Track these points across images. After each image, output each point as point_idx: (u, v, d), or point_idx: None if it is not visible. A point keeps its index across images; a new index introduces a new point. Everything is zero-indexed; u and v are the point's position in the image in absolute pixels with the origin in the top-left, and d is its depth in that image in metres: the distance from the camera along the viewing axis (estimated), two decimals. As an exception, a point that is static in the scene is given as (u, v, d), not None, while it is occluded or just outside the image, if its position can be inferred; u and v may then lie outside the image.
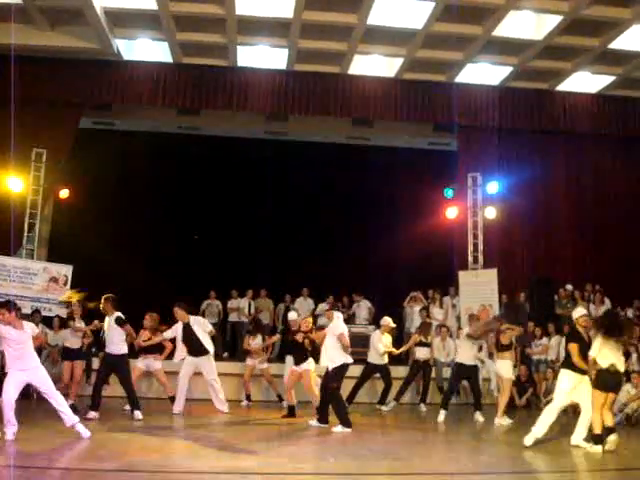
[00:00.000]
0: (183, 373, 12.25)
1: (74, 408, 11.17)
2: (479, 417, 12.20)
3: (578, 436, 9.52)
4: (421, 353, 14.04)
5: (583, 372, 9.45)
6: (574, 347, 9.53)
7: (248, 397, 13.86)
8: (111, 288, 11.46)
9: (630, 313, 16.45)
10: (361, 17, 15.29)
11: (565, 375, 9.66)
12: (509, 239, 18.26)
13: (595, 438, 9.18)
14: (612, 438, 9.09)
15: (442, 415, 12.14)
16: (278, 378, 13.66)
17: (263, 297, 17.78)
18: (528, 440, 9.40)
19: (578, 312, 10.03)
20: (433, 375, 14.55)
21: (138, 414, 11.20)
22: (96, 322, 12.32)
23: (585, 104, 18.86)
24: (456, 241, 18.21)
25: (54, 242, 18.04)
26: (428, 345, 14.10)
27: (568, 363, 9.65)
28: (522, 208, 18.34)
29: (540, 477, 8.11)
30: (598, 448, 9.06)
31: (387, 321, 13.67)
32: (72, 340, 12.45)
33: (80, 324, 12.37)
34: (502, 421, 11.89)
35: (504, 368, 12.02)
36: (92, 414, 10.88)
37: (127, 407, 12.18)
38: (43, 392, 9.00)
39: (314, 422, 10.87)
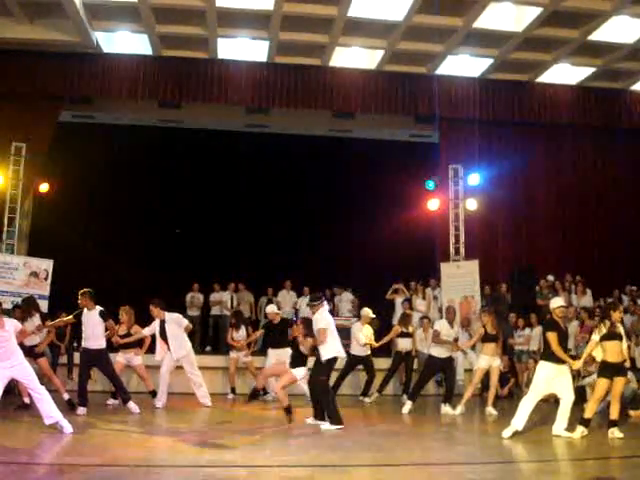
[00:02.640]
0: (164, 368, 12.20)
1: (70, 403, 11.12)
2: (447, 409, 12.11)
3: (559, 426, 9.60)
4: (403, 344, 14.08)
5: (562, 362, 9.54)
6: (553, 336, 9.60)
7: (233, 390, 13.86)
8: (92, 282, 11.38)
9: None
10: (342, 9, 15.27)
11: (543, 366, 9.73)
12: (490, 230, 18.34)
13: (583, 421, 9.48)
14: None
15: (407, 406, 12.19)
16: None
17: (242, 290, 17.76)
18: (507, 432, 9.45)
19: (555, 302, 10.08)
20: (415, 366, 14.60)
21: (133, 407, 11.18)
22: (63, 316, 12.10)
23: (565, 96, 18.97)
24: (438, 233, 18.26)
25: (34, 236, 17.90)
26: (410, 336, 14.13)
27: (547, 354, 9.73)
28: (503, 199, 18.43)
29: (522, 467, 8.16)
30: (582, 430, 9.42)
31: (366, 312, 13.74)
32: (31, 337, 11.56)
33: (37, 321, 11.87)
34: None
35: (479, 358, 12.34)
36: (81, 410, 10.83)
37: (110, 402, 12.14)
38: (28, 388, 8.93)
39: (311, 420, 10.44)
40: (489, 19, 15.81)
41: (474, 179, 17.73)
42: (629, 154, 19.29)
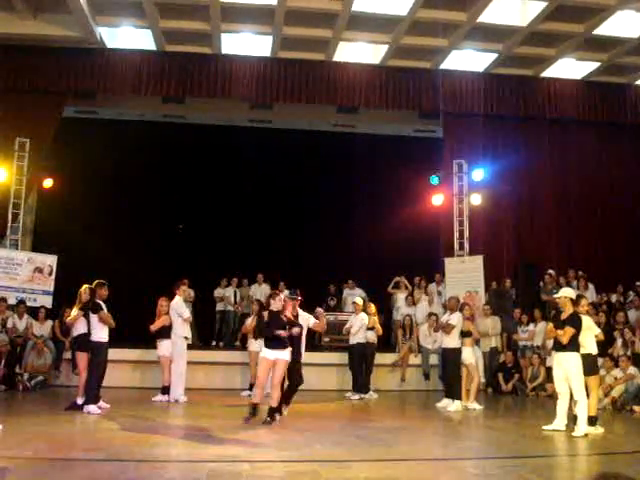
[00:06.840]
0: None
1: (75, 406, 10.85)
2: (457, 404, 12.10)
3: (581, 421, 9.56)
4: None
5: (556, 350, 9.71)
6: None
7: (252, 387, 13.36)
8: (96, 277, 11.36)
9: (614, 298, 16.58)
10: (346, 4, 15.23)
11: None
12: (495, 226, 18.28)
13: (589, 419, 9.45)
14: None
15: (455, 406, 12.03)
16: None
17: (245, 286, 17.78)
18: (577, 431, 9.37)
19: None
20: (419, 362, 14.60)
21: (93, 409, 10.53)
22: (68, 312, 11.99)
23: (570, 90, 18.89)
24: (442, 228, 18.19)
25: (38, 232, 17.95)
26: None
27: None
28: (507, 194, 18.37)
29: (526, 462, 8.13)
30: (591, 429, 9.36)
31: (356, 299, 14.30)
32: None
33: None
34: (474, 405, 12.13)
35: (465, 354, 12.24)
36: (103, 405, 10.89)
37: (157, 398, 12.26)
38: None
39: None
40: (493, 13, 15.76)
41: (478, 174, 17.70)
42: (634, 149, 19.22)
